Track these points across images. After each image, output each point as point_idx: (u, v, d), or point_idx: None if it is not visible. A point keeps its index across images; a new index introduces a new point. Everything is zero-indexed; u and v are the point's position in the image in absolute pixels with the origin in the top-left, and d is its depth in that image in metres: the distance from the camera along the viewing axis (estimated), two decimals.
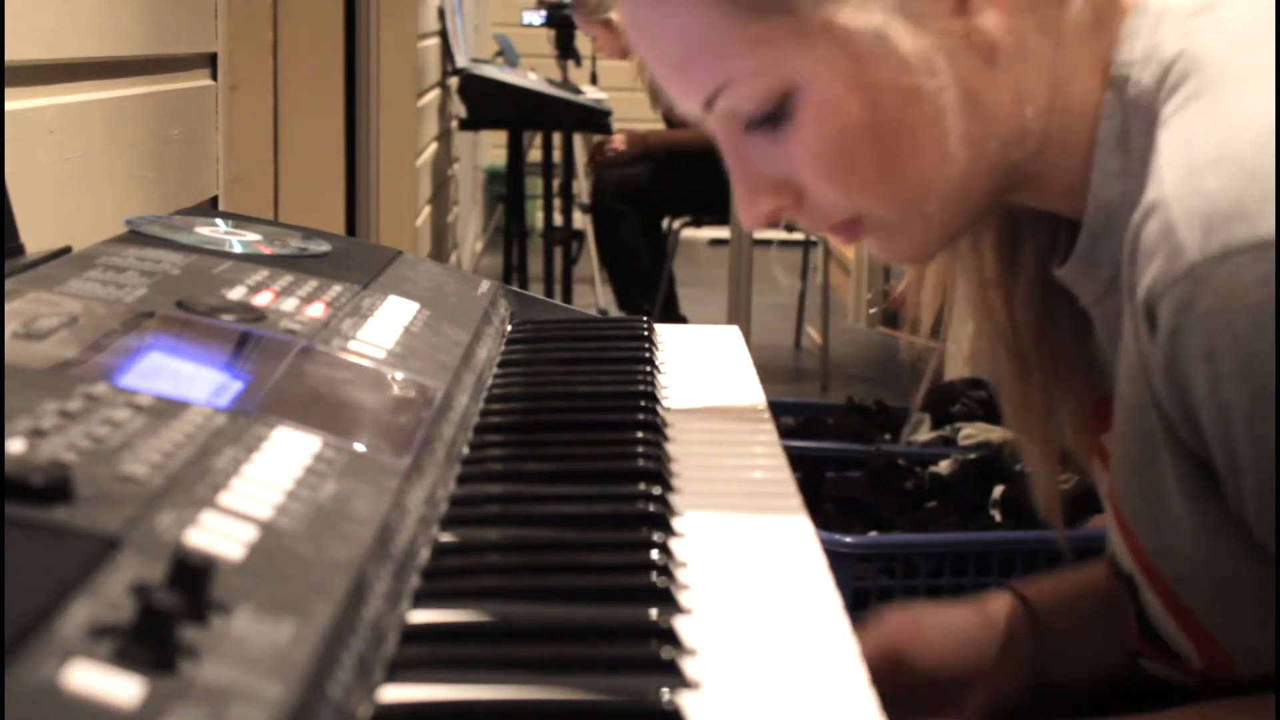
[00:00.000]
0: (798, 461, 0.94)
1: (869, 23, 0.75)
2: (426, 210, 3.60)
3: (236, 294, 0.95)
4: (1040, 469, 0.97)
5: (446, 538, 0.75)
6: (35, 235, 1.06)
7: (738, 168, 0.85)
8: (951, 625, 1.03)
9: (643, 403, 0.99)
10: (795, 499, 0.85)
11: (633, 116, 4.78)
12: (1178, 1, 0.78)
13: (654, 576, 0.69)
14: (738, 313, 3.32)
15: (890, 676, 0.98)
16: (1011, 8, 0.77)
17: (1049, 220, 0.89)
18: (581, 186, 4.94)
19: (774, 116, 0.79)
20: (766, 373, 1.18)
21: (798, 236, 4.54)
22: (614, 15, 3.98)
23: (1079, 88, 0.79)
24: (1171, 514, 0.78)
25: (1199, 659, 0.85)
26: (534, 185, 5.20)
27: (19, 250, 1.01)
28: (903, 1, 0.75)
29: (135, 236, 1.07)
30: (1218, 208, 0.67)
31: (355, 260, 1.15)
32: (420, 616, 0.65)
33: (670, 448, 0.92)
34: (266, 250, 1.10)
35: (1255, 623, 0.79)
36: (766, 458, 0.93)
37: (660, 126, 4.57)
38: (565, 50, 4.96)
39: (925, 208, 0.81)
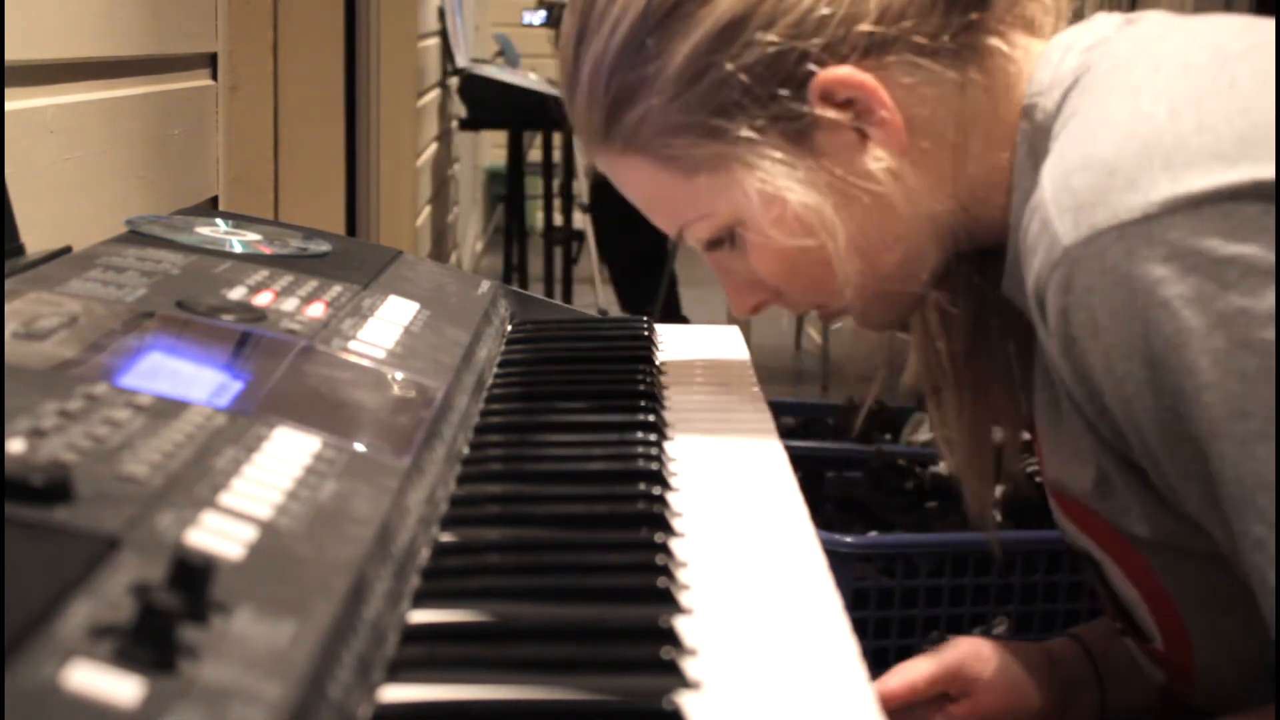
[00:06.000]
0: (798, 461, 0.94)
1: (763, 185, 0.89)
2: (426, 210, 3.60)
3: (236, 294, 0.95)
4: (969, 475, 1.07)
5: (446, 538, 0.75)
6: (35, 235, 1.06)
7: (720, 275, 1.00)
8: (1011, 650, 1.06)
9: (643, 403, 0.99)
10: (795, 499, 0.85)
11: None
12: (1083, 37, 0.89)
13: (654, 577, 0.69)
14: None
15: (949, 684, 1.04)
16: (907, 132, 0.89)
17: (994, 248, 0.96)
18: (581, 186, 4.94)
19: (730, 240, 0.95)
20: (766, 373, 1.18)
21: None
22: None
23: (1001, 135, 0.90)
24: (1115, 490, 0.86)
25: (1159, 633, 0.91)
26: (534, 185, 5.20)
27: (19, 250, 1.01)
28: (790, 167, 0.89)
29: (135, 236, 1.07)
30: (1083, 201, 0.77)
31: (355, 260, 1.15)
32: (420, 616, 0.65)
33: (670, 448, 0.92)
34: (266, 250, 1.10)
35: (1208, 593, 0.85)
36: (766, 458, 0.93)
37: None
38: None
39: (877, 295, 0.94)
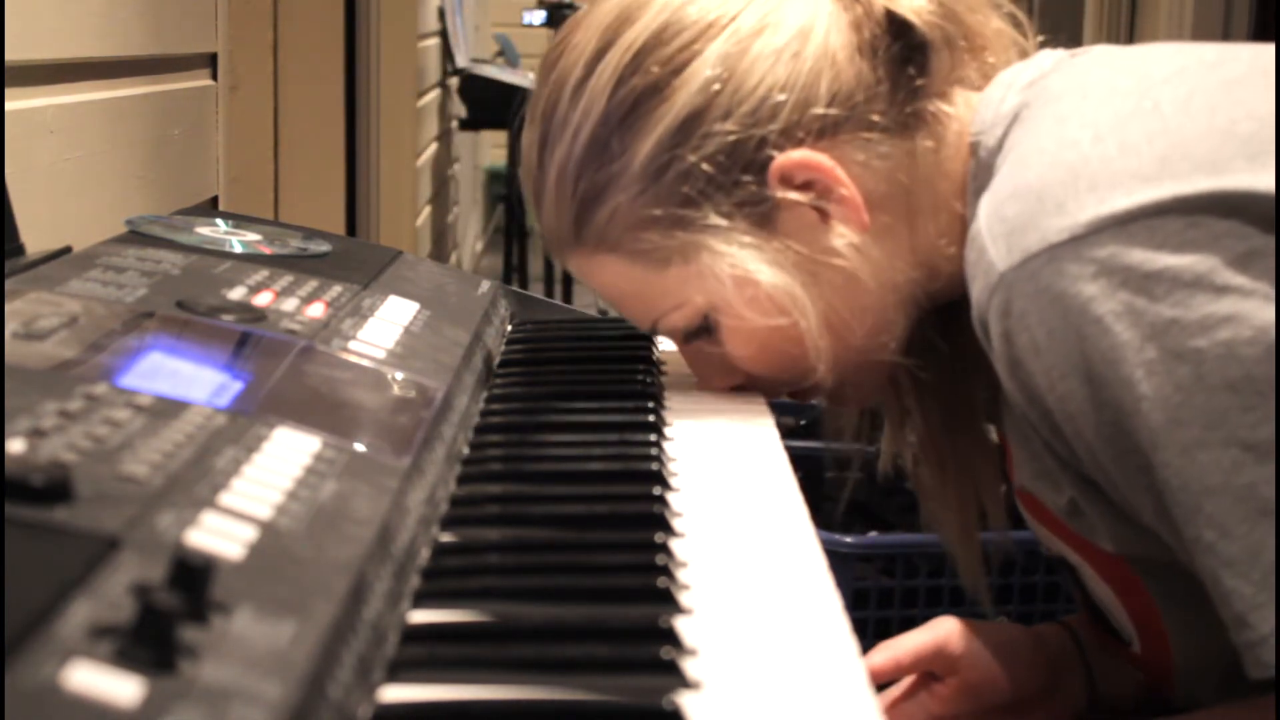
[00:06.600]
0: (798, 461, 0.94)
1: (733, 271, 0.91)
2: (426, 210, 3.60)
3: (236, 294, 0.95)
4: (960, 550, 1.09)
5: (446, 538, 0.75)
6: (35, 235, 1.06)
7: (692, 363, 1.04)
8: (997, 631, 1.07)
9: (643, 402, 0.99)
10: (795, 499, 0.85)
11: None
12: (1023, 75, 0.91)
13: (654, 577, 0.69)
14: None
15: (933, 663, 1.04)
16: (866, 206, 0.91)
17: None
18: None
19: (704, 329, 0.96)
20: None
21: None
22: None
23: (952, 188, 0.92)
24: (1082, 510, 0.88)
25: (1137, 635, 0.92)
26: None
27: (19, 250, 1.01)
28: (758, 250, 0.91)
29: (135, 236, 1.07)
30: (1014, 227, 0.79)
31: (355, 260, 1.15)
32: (420, 616, 0.65)
33: (670, 448, 0.92)
34: (266, 250, 1.10)
35: (1185, 591, 0.84)
36: (766, 458, 0.93)
37: None
38: None
39: (850, 367, 0.96)
